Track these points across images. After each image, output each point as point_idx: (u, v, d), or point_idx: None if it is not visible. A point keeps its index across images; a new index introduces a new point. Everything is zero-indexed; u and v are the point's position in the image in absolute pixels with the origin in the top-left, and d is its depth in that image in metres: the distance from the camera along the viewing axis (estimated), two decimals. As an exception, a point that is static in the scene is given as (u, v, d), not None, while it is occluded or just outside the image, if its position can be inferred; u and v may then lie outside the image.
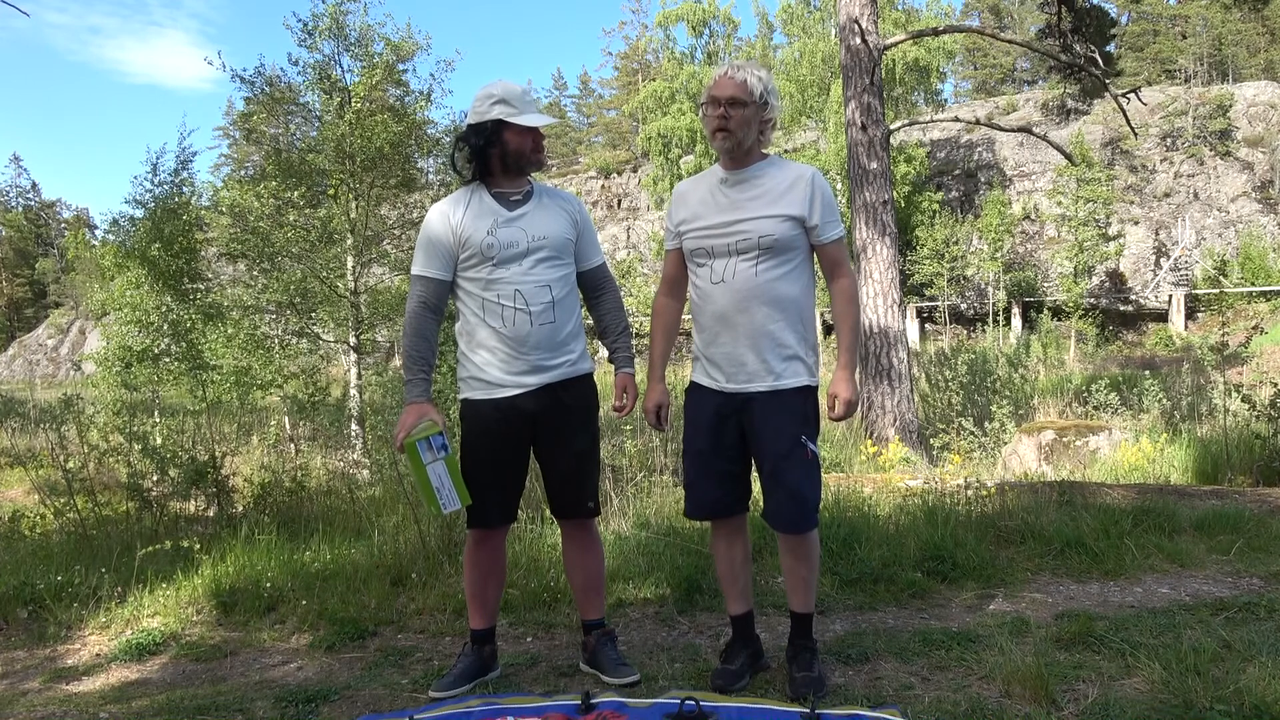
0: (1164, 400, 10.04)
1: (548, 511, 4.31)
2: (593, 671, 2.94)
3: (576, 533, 2.99)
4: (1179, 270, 31.92)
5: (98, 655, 3.53)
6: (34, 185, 75.25)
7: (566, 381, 2.83)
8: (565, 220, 2.88)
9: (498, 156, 2.81)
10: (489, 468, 2.83)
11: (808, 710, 2.42)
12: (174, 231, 12.17)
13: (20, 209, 71.19)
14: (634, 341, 3.12)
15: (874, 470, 7.00)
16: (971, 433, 9.05)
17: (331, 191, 11.75)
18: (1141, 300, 31.73)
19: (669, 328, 2.96)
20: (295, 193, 11.43)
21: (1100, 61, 11.86)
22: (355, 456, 9.34)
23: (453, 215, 2.82)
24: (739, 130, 2.66)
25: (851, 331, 2.76)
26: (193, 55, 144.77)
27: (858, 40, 9.02)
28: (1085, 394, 11.23)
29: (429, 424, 2.73)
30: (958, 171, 36.73)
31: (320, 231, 11.85)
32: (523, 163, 2.83)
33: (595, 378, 2.99)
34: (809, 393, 2.73)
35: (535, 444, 2.88)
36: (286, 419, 11.96)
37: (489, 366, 2.80)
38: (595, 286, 2.99)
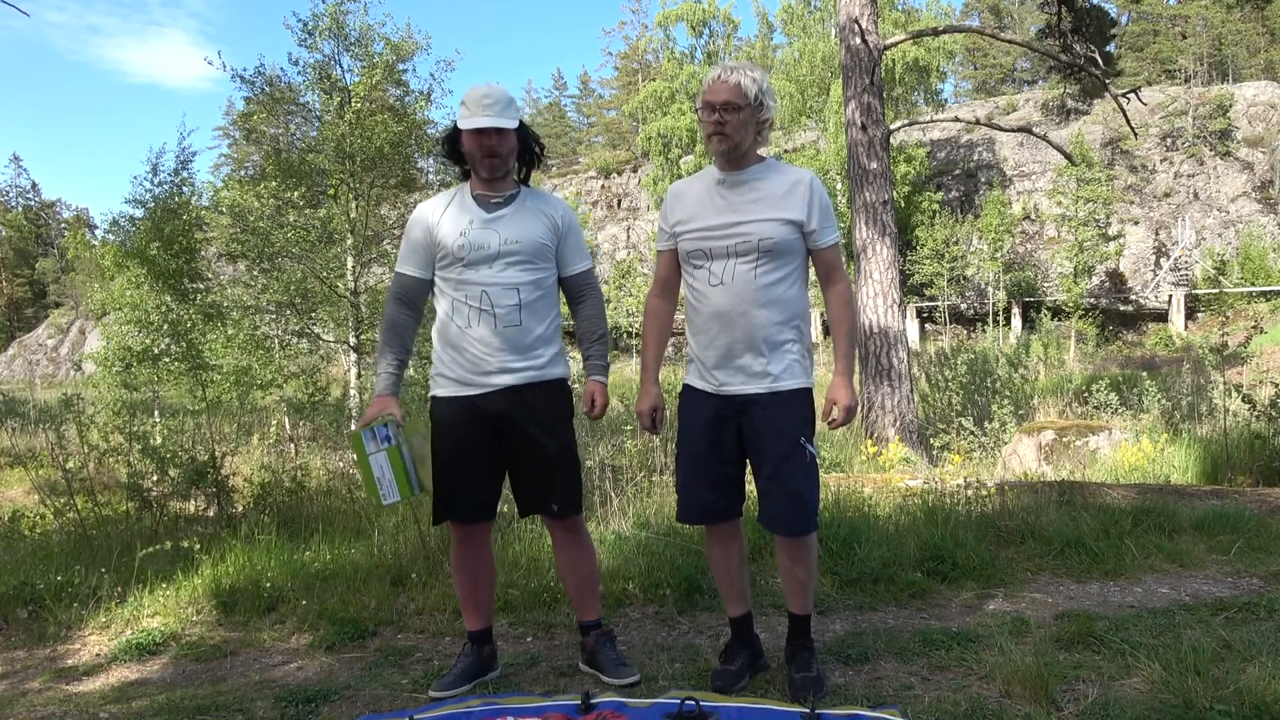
0: (1164, 400, 10.03)
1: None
2: (592, 672, 2.94)
3: (560, 534, 2.97)
4: (1179, 270, 31.93)
5: (98, 655, 3.53)
6: (34, 185, 75.44)
7: (534, 385, 2.81)
8: (543, 225, 2.84)
9: (460, 160, 2.86)
10: (454, 465, 2.82)
11: (808, 710, 2.42)
12: (174, 231, 12.17)
13: (20, 209, 71.20)
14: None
15: (874, 470, 7.00)
16: (971, 433, 9.04)
17: (331, 191, 11.76)
18: (1141, 300, 31.74)
19: (662, 330, 2.93)
20: (295, 193, 11.44)
21: (1100, 61, 11.86)
22: (355, 456, 9.32)
23: (433, 215, 2.85)
24: (735, 134, 2.64)
25: (848, 337, 2.75)
26: (193, 55, 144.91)
27: (858, 40, 9.02)
28: (1085, 394, 11.22)
29: (385, 415, 2.77)
30: (958, 171, 36.74)
31: (320, 231, 11.85)
32: (476, 166, 2.81)
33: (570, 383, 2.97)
34: (806, 394, 2.73)
35: (506, 444, 2.86)
36: (286, 419, 11.96)
37: (455, 365, 2.82)
38: (576, 293, 2.97)
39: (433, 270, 2.86)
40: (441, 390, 2.85)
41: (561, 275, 2.92)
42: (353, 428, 2.82)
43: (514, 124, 2.79)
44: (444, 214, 2.83)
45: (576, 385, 3.47)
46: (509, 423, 2.80)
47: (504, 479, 2.94)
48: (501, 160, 2.79)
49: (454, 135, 2.83)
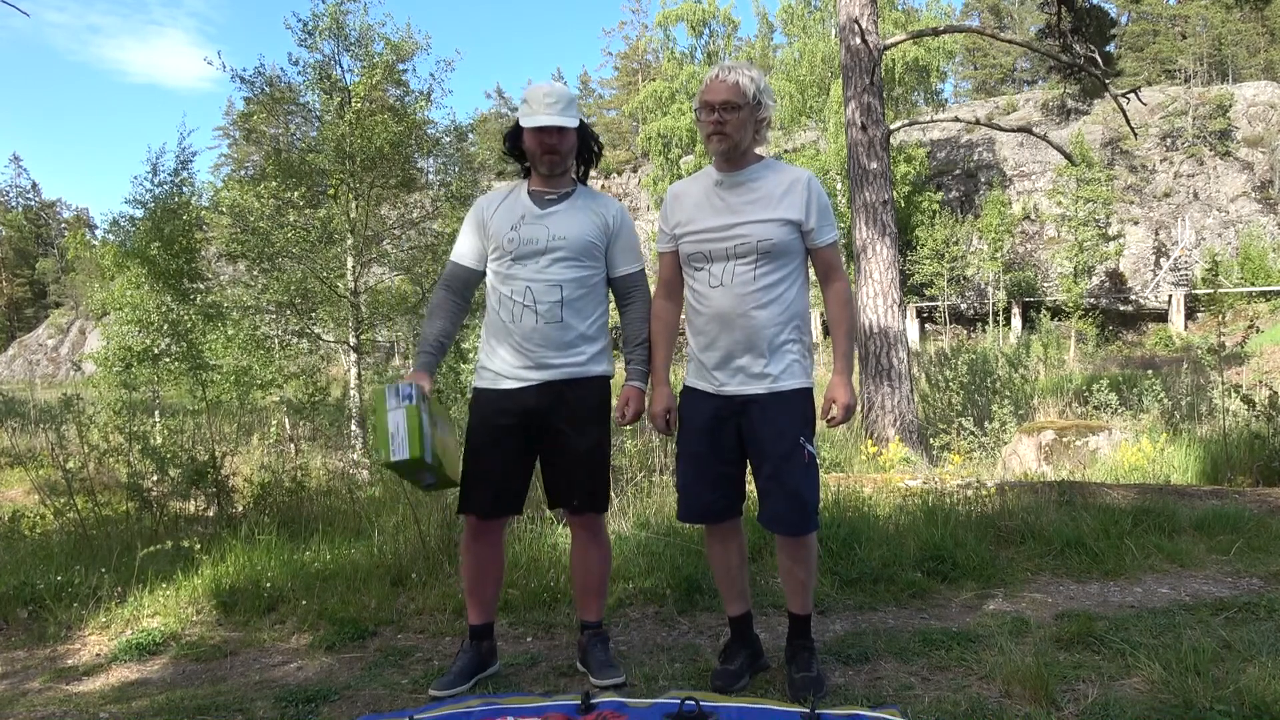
0: (1164, 400, 10.04)
1: (547, 511, 4.32)
2: (584, 670, 2.95)
3: (579, 531, 2.99)
4: (1179, 270, 31.94)
5: (98, 655, 3.53)
6: (34, 185, 75.35)
7: (573, 381, 2.83)
8: (593, 224, 2.86)
9: (521, 156, 2.91)
10: (486, 456, 2.85)
11: (808, 710, 2.42)
12: (174, 231, 12.19)
13: (20, 209, 71.18)
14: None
15: (874, 470, 6.99)
16: (971, 433, 9.05)
17: (331, 191, 11.76)
18: (1141, 300, 31.75)
19: (669, 330, 2.94)
20: (295, 193, 11.44)
21: (1100, 61, 11.87)
22: (355, 456, 9.34)
23: (488, 208, 2.91)
24: (735, 134, 2.65)
25: (847, 336, 2.76)
26: (193, 55, 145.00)
27: (858, 40, 9.02)
28: (1085, 394, 11.24)
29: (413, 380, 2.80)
30: (958, 171, 36.74)
31: (320, 231, 11.86)
32: (536, 163, 2.86)
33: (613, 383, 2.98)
34: (806, 394, 2.73)
35: (537, 439, 2.88)
36: (286, 419, 11.97)
37: (495, 358, 2.86)
38: (623, 294, 2.98)
39: (484, 262, 2.91)
40: (483, 383, 2.90)
41: (610, 276, 2.94)
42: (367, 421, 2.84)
43: (575, 123, 2.83)
44: (499, 208, 2.89)
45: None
46: (541, 417, 2.82)
47: (531, 476, 2.95)
48: (561, 158, 2.84)
49: (515, 132, 2.88)
